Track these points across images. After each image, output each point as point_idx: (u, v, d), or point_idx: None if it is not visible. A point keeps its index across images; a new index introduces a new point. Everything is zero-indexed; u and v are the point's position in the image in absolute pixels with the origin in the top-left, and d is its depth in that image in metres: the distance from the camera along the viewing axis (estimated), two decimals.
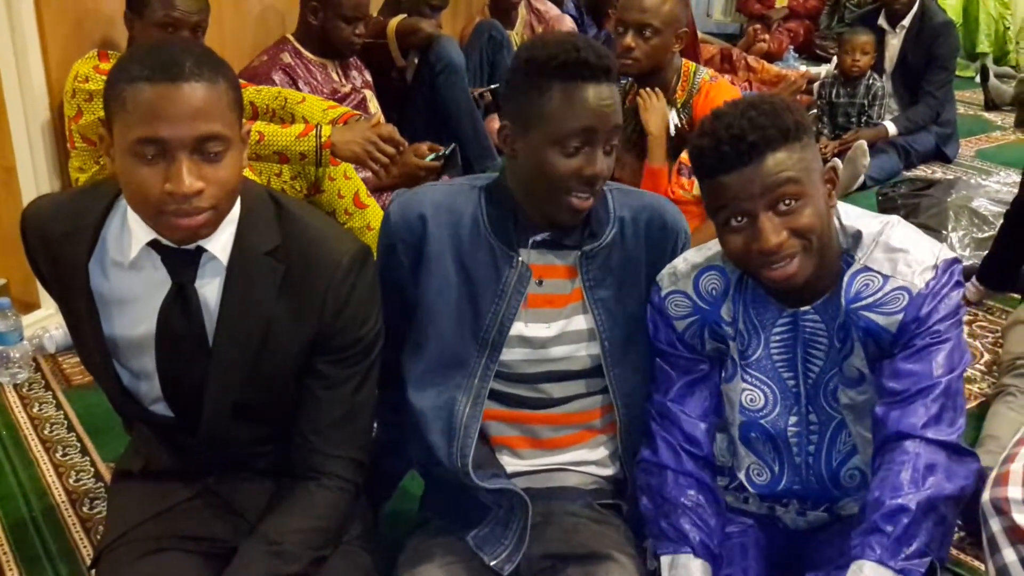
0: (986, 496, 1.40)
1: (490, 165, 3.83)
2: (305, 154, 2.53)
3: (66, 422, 2.47)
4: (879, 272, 1.46)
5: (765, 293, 1.55)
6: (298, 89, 3.11)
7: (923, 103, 4.39)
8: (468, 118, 3.87)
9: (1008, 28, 6.06)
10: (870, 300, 1.46)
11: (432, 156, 3.08)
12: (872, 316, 1.46)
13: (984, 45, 5.97)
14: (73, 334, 1.55)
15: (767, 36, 6.12)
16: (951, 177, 4.15)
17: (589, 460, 1.71)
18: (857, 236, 1.49)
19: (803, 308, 1.53)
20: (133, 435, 1.67)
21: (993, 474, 1.43)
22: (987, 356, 2.77)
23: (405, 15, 3.82)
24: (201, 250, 1.43)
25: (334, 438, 1.53)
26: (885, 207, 3.75)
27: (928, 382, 1.43)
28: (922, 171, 4.40)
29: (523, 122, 1.53)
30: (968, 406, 1.95)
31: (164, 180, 1.30)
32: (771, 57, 5.84)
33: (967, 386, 2.55)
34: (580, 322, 1.63)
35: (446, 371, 1.62)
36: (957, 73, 4.84)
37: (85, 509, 2.13)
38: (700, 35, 4.86)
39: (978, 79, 5.77)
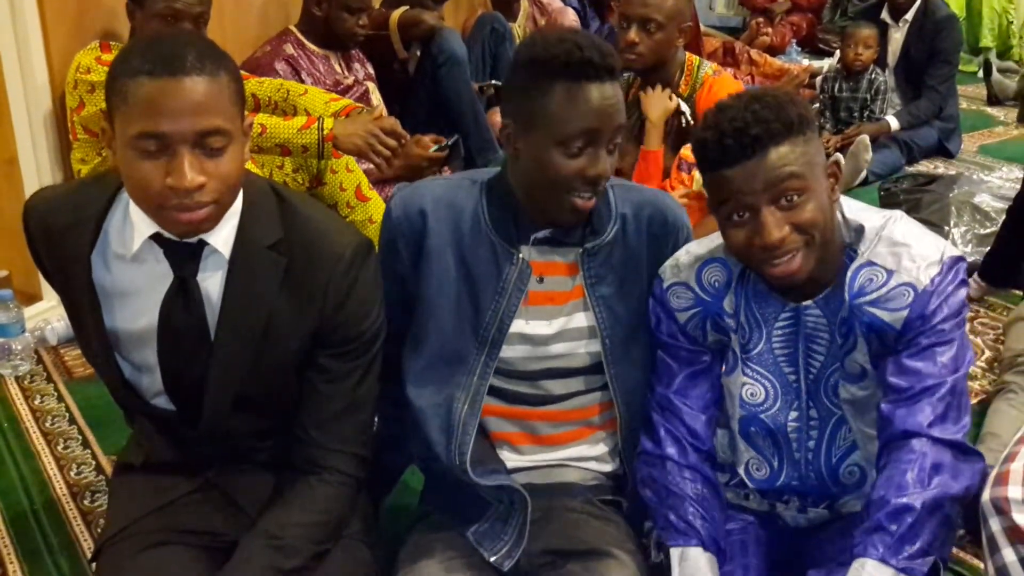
0: (986, 495, 1.39)
1: (492, 158, 3.82)
2: (307, 147, 2.53)
3: (67, 414, 2.47)
4: (883, 267, 1.46)
5: (767, 287, 1.54)
6: (301, 80, 3.11)
7: (926, 98, 4.38)
8: (470, 110, 3.86)
9: (1012, 23, 6.04)
10: (874, 295, 1.46)
11: (435, 148, 3.08)
12: (876, 312, 1.46)
13: (987, 40, 5.94)
14: (75, 326, 1.55)
15: (770, 30, 6.11)
16: (953, 172, 4.14)
17: (589, 456, 1.71)
18: (860, 230, 1.49)
19: (805, 302, 1.52)
20: (134, 428, 1.67)
21: (993, 473, 1.43)
22: (988, 353, 2.77)
23: (407, 7, 3.81)
24: (203, 243, 1.42)
25: (335, 432, 1.53)
26: (887, 202, 3.75)
27: (934, 380, 1.43)
28: (924, 166, 4.39)
29: (525, 121, 1.52)
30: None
31: (165, 174, 1.30)
32: (774, 51, 5.83)
33: (968, 383, 2.55)
34: (581, 319, 1.63)
35: (445, 368, 1.62)
36: (960, 68, 4.82)
37: (86, 502, 2.13)
38: (703, 28, 4.85)
39: (981, 74, 5.74)
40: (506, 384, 1.65)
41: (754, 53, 5.26)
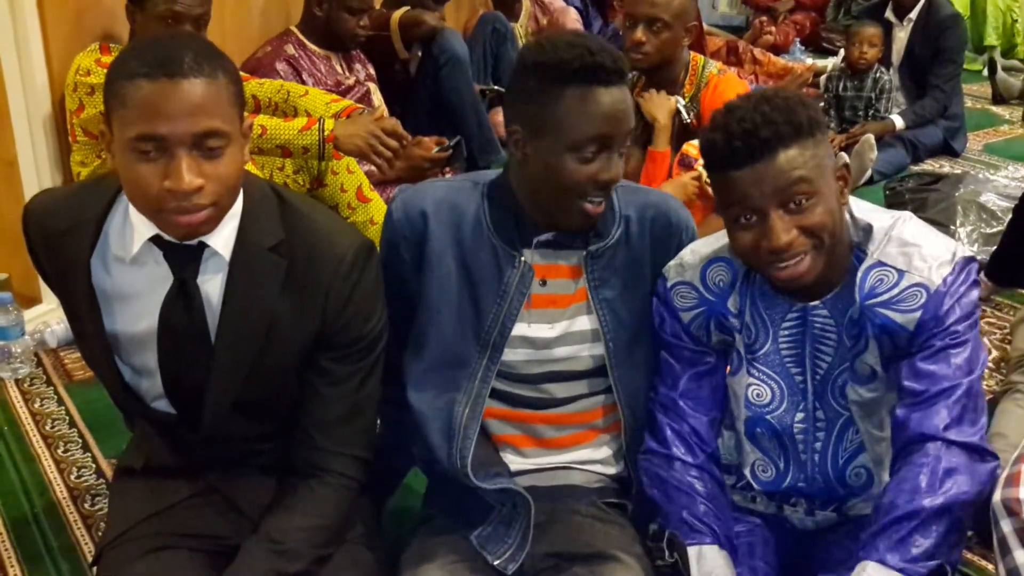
0: (997, 497, 1.38)
1: (495, 159, 3.82)
2: (308, 148, 2.52)
3: (67, 418, 2.46)
4: (893, 267, 1.44)
5: (773, 288, 1.53)
6: (302, 81, 3.11)
7: (930, 96, 4.36)
8: (472, 111, 3.85)
9: (1016, 21, 6.02)
10: (886, 297, 1.44)
11: (436, 149, 3.07)
12: (889, 313, 1.44)
13: (992, 38, 5.92)
14: (74, 330, 1.55)
15: (773, 28, 6.10)
16: (959, 171, 4.12)
17: (593, 459, 1.70)
18: (868, 230, 1.48)
19: (812, 303, 1.51)
20: (134, 431, 1.67)
21: (1004, 474, 1.41)
22: (995, 353, 2.76)
23: (408, 7, 3.81)
24: (203, 245, 1.42)
25: (337, 435, 1.52)
26: (892, 202, 3.73)
27: (949, 383, 1.42)
28: (929, 165, 4.38)
29: (535, 127, 1.50)
30: None
31: (163, 177, 1.29)
32: (777, 50, 5.82)
33: None
34: (584, 322, 1.62)
35: (447, 371, 1.61)
36: (965, 66, 4.80)
37: (86, 506, 2.12)
38: (706, 28, 4.84)
39: (986, 72, 5.73)
40: (508, 387, 1.64)
41: (758, 52, 5.25)
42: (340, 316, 1.46)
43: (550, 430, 1.67)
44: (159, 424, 1.57)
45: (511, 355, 1.61)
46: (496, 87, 4.16)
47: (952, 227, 3.40)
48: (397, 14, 3.77)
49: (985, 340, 2.81)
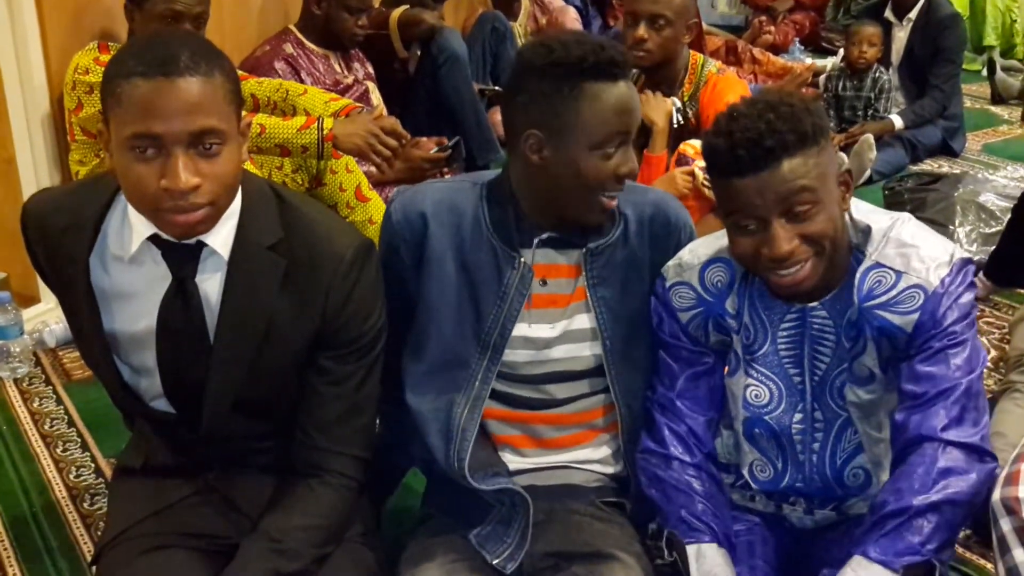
0: (996, 495, 1.38)
1: (494, 158, 3.81)
2: (307, 147, 2.52)
3: (66, 417, 2.46)
4: (891, 268, 1.44)
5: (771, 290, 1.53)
6: (300, 80, 3.10)
7: (930, 96, 4.36)
8: (471, 110, 3.85)
9: (1015, 21, 6.01)
10: (884, 298, 1.44)
11: (435, 149, 3.07)
12: (887, 315, 1.44)
13: (991, 38, 5.92)
14: (73, 329, 1.54)
15: (772, 28, 6.09)
16: (958, 171, 4.12)
17: (592, 459, 1.70)
18: (866, 231, 1.48)
19: (811, 304, 1.51)
20: (134, 431, 1.66)
21: (1003, 473, 1.41)
22: (994, 352, 2.75)
23: (407, 6, 3.80)
24: (202, 244, 1.41)
25: (336, 435, 1.52)
26: (891, 202, 3.73)
27: (948, 384, 1.42)
28: (928, 165, 4.37)
29: (555, 129, 1.49)
30: None
31: (160, 176, 1.29)
32: (776, 49, 5.81)
33: None
34: (582, 321, 1.62)
35: (446, 372, 1.61)
36: (964, 66, 4.79)
37: (86, 505, 2.12)
38: (705, 27, 4.84)
39: (985, 72, 5.73)
40: (508, 388, 1.64)
41: (757, 52, 5.24)
42: (339, 315, 1.46)
43: (550, 430, 1.67)
44: (158, 423, 1.56)
45: (512, 356, 1.61)
46: (495, 86, 4.15)
47: (951, 227, 3.39)
48: (396, 13, 3.76)
49: (984, 340, 2.82)
